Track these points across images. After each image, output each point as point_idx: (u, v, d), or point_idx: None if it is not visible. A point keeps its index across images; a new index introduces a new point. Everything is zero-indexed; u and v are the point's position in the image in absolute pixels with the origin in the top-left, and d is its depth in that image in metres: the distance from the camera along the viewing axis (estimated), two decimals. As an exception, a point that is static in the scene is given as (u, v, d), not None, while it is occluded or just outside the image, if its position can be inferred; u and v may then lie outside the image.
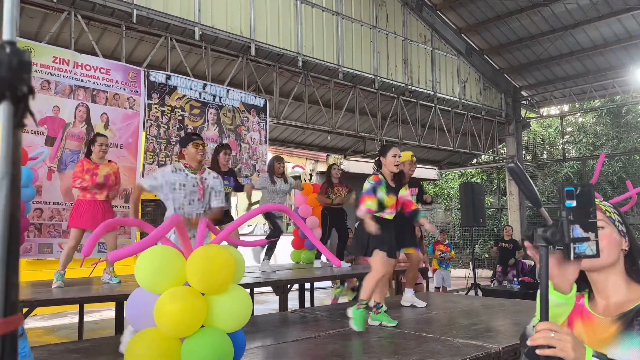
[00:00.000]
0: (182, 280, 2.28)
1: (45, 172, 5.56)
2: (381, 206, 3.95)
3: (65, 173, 5.78)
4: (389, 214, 4.01)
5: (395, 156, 3.96)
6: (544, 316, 1.10)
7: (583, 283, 1.46)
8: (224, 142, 7.18)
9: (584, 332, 1.35)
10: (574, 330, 1.38)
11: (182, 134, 6.91)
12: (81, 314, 5.78)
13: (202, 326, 2.29)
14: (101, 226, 1.98)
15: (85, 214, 4.80)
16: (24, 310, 3.91)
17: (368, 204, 3.83)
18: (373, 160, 4.19)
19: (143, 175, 6.45)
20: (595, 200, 1.41)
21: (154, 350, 2.18)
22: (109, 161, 5.13)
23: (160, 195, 3.87)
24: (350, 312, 3.77)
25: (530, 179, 1.12)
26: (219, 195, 3.96)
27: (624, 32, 10.58)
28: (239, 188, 6.20)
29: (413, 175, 5.27)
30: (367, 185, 3.92)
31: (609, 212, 1.39)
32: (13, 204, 0.47)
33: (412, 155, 5.17)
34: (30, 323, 7.85)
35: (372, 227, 3.68)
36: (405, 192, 4.12)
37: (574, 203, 1.12)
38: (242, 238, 6.32)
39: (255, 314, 6.93)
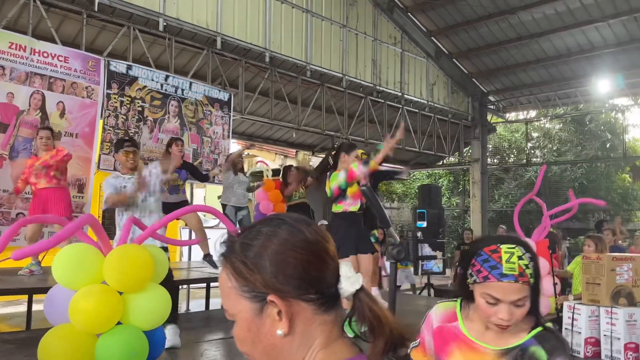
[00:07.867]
0: (100, 278, 2.32)
1: (-5, 159, 5.48)
2: (344, 194, 4.05)
3: (17, 161, 5.70)
4: (352, 206, 4.08)
5: (357, 157, 4.23)
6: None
7: (461, 290, 1.48)
8: (184, 135, 7.18)
9: None
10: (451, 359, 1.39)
11: (141, 125, 6.88)
12: (29, 303, 5.71)
13: (120, 323, 2.34)
14: (13, 225, 2.00)
15: (33, 207, 4.82)
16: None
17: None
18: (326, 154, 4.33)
19: (99, 166, 6.40)
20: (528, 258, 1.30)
21: (67, 344, 2.22)
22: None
23: None
24: None
25: (379, 201, 1.20)
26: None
27: (587, 43, 10.86)
28: (204, 178, 6.29)
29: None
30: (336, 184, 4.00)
31: (530, 275, 1.30)
32: None
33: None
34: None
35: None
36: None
37: (424, 224, 1.21)
38: (207, 231, 6.31)
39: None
